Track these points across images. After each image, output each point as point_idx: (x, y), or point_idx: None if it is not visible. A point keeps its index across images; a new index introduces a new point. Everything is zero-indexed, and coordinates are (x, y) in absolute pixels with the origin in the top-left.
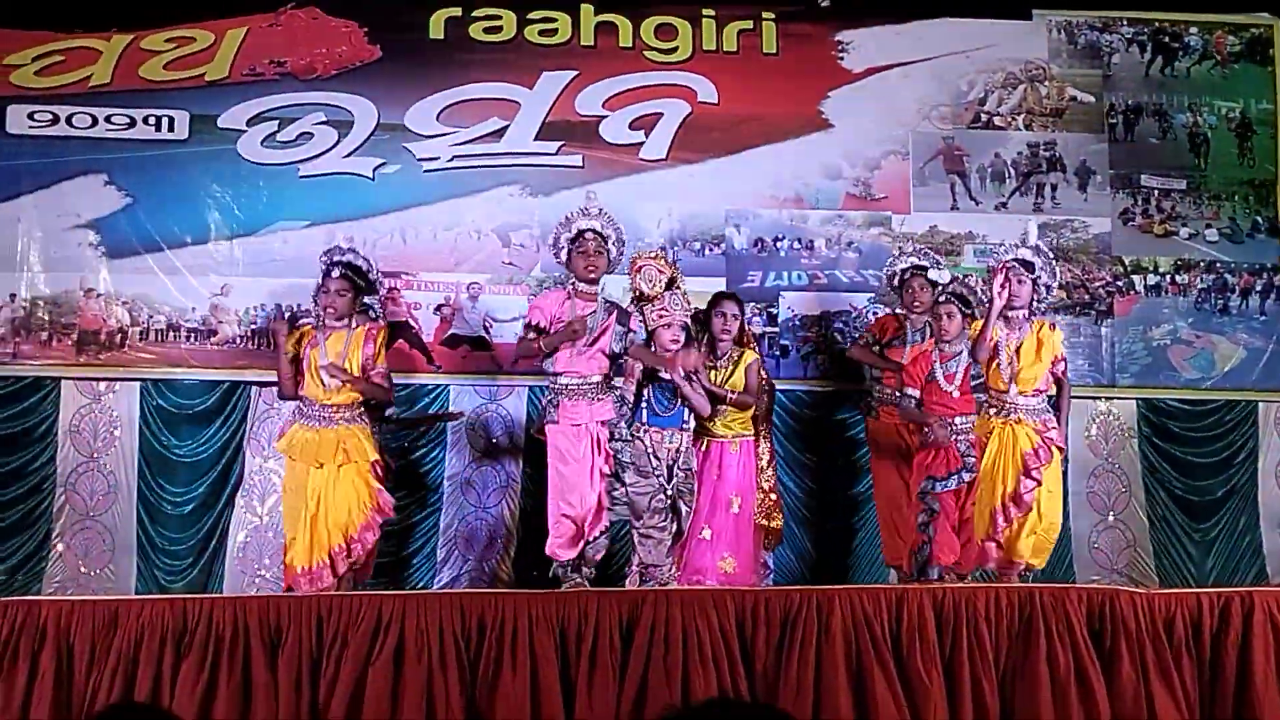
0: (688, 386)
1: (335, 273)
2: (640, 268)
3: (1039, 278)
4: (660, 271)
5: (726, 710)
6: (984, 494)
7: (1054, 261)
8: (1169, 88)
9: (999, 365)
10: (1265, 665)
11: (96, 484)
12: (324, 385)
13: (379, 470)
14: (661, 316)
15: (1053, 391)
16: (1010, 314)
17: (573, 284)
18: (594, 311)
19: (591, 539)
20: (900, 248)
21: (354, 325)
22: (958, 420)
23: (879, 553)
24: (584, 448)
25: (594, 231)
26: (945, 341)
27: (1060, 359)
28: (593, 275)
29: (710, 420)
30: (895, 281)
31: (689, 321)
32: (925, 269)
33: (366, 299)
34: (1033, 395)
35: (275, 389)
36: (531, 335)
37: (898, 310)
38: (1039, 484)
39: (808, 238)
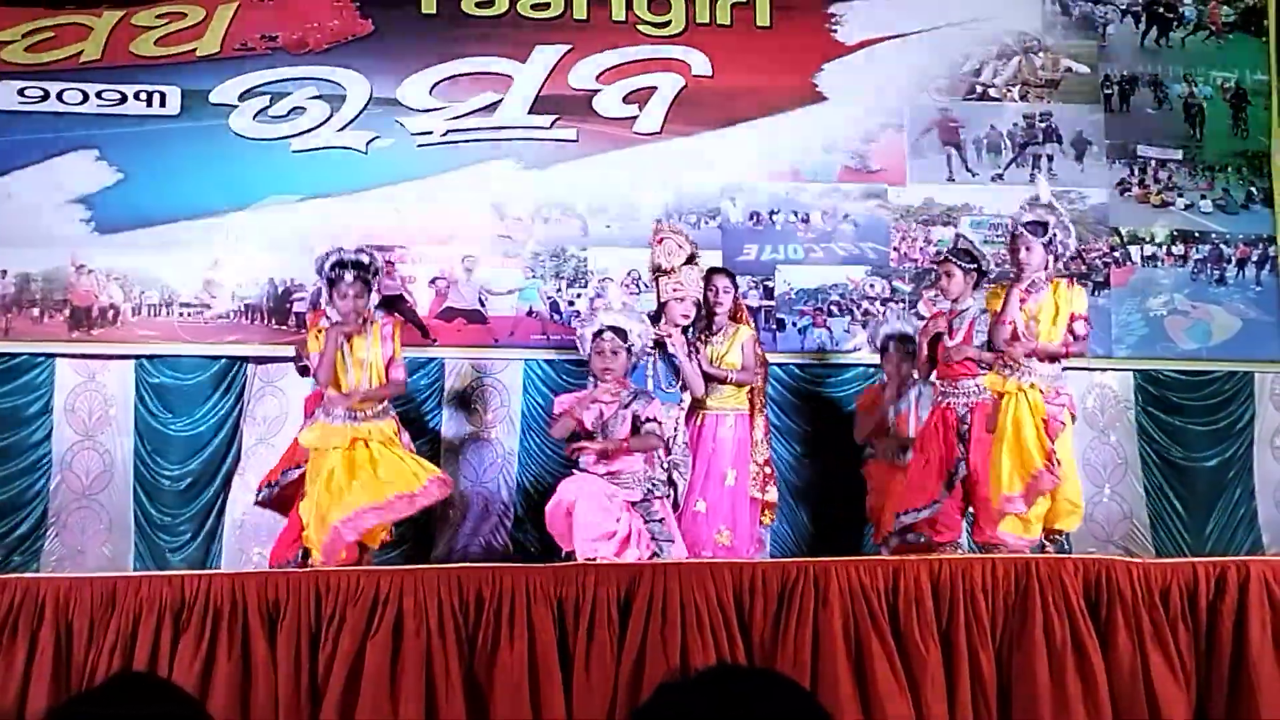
0: (688, 366)
1: (349, 275)
2: (661, 240)
3: (1053, 237)
4: (680, 247)
5: (730, 676)
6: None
7: (1066, 217)
8: (1164, 58)
9: (1017, 331)
10: (1261, 634)
11: (92, 462)
12: (353, 391)
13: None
14: (676, 290)
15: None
16: (1024, 277)
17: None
18: (611, 416)
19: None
20: (885, 312)
21: (368, 325)
22: (965, 383)
23: None
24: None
25: (611, 332)
26: (950, 300)
27: (1079, 317)
28: (609, 377)
29: (707, 396)
30: (879, 344)
31: (701, 299)
32: (908, 335)
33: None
34: (1048, 361)
35: (273, 365)
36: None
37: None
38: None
39: (803, 211)
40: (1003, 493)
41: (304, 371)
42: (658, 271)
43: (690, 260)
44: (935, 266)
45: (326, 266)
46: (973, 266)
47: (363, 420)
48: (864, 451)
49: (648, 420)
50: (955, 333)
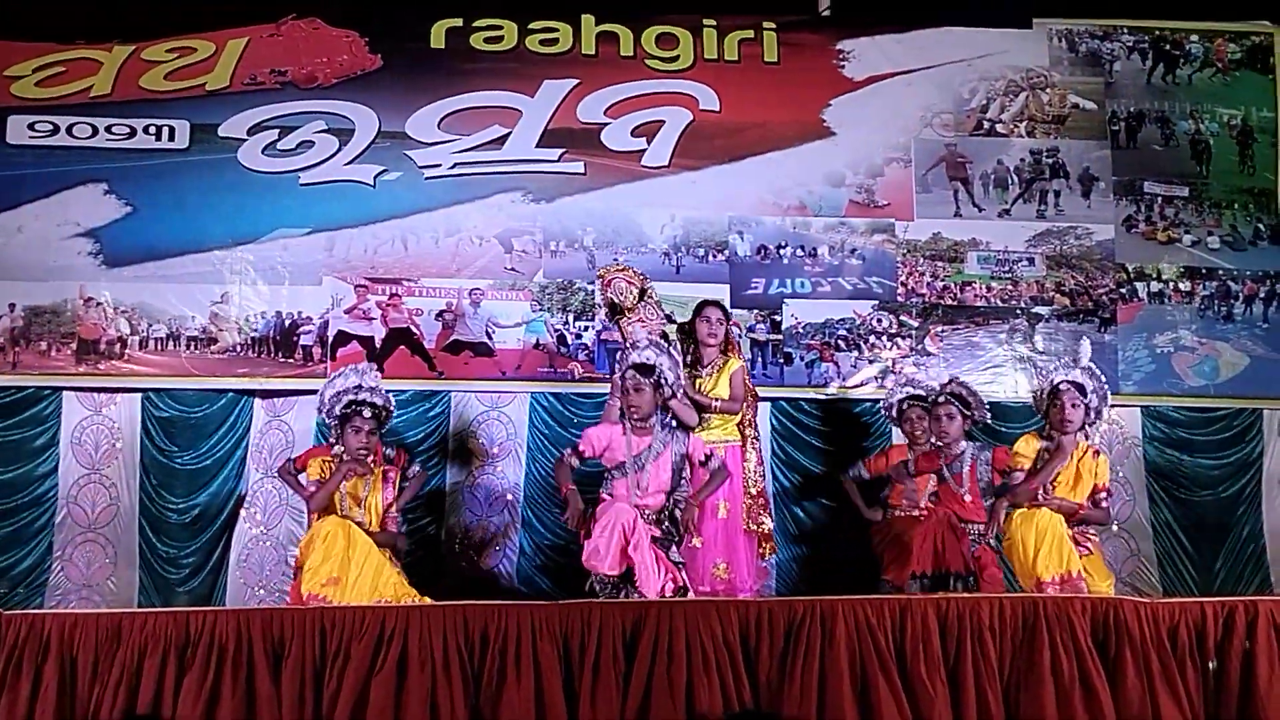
0: (675, 401)
1: (366, 412)
2: (609, 281)
3: (1090, 402)
4: (629, 283)
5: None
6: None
7: (1105, 383)
8: (1170, 95)
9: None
10: (1269, 673)
11: (98, 496)
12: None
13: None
14: (642, 325)
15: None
16: (1060, 437)
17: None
18: (645, 450)
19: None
20: (895, 377)
21: (373, 467)
22: (972, 527)
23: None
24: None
25: (633, 370)
26: (945, 444)
27: (1103, 489)
28: (635, 415)
29: (696, 429)
30: (894, 413)
31: (666, 330)
32: (923, 399)
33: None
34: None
35: (279, 399)
36: (574, 460)
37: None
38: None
39: (811, 245)
40: (1040, 575)
41: (286, 477)
42: (615, 312)
43: (643, 295)
44: (935, 407)
45: (341, 404)
46: (969, 414)
47: None
48: (882, 513)
49: (706, 458)
50: (960, 478)
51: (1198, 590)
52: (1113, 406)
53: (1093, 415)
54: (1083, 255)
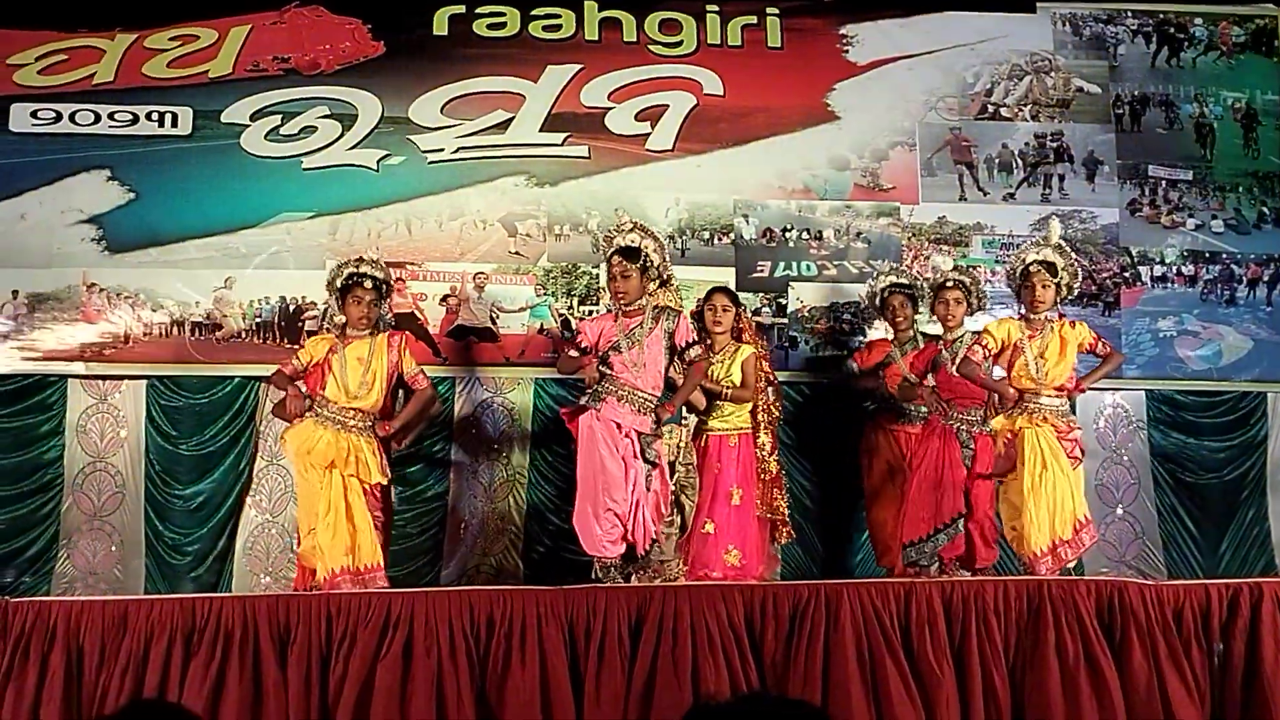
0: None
1: (367, 283)
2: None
3: (1061, 279)
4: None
5: (764, 702)
6: (1040, 498)
7: (1076, 261)
8: (1175, 78)
9: (1025, 365)
10: (1274, 654)
11: (104, 484)
12: (348, 391)
13: (377, 494)
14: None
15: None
16: (1033, 317)
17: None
18: (636, 326)
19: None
20: (879, 272)
21: (375, 333)
22: (972, 411)
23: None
24: (624, 446)
25: (618, 255)
26: (949, 327)
27: (1090, 347)
28: (623, 300)
29: (707, 415)
30: (877, 301)
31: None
32: (906, 286)
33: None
34: (1056, 394)
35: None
36: (573, 350)
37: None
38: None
39: (816, 228)
40: (1032, 549)
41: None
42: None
43: (664, 283)
44: (935, 292)
45: (343, 277)
46: (971, 299)
47: (351, 428)
48: (900, 406)
49: (689, 345)
50: (948, 362)
51: (1203, 573)
52: (1117, 390)
53: (1064, 293)
54: (1087, 239)
